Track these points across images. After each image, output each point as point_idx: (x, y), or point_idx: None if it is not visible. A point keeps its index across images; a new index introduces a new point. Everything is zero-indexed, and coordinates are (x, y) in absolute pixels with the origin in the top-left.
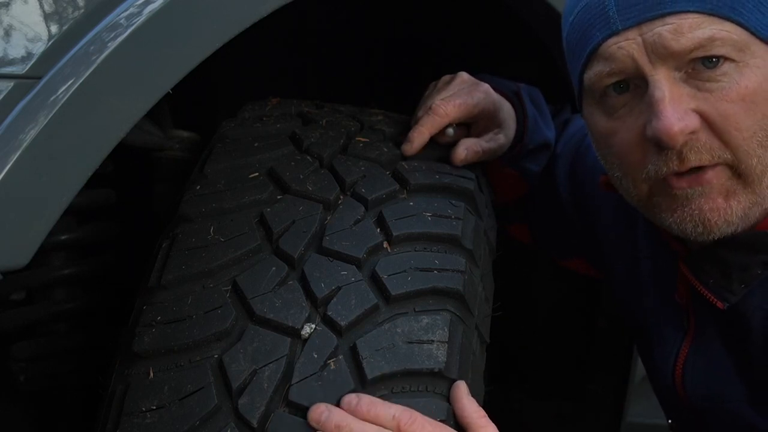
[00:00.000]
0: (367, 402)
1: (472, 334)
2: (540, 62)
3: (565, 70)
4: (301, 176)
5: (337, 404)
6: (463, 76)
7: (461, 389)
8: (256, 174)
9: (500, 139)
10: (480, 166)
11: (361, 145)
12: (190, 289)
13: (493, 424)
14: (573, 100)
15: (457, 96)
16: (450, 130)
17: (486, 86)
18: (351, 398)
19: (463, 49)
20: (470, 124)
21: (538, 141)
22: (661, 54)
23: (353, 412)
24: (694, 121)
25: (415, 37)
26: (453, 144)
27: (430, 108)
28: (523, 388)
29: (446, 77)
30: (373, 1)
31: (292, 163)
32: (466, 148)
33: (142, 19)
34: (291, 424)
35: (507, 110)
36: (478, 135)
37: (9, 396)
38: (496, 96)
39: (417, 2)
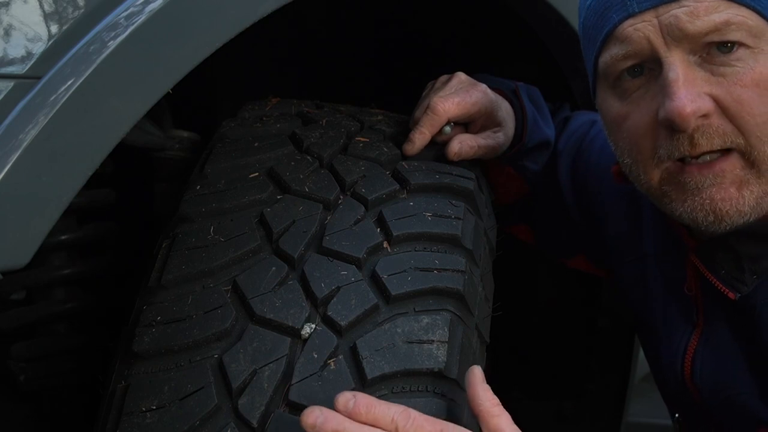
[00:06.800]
0: (364, 403)
1: (472, 334)
2: (540, 62)
3: (564, 69)
4: (301, 176)
5: (332, 404)
6: (461, 76)
7: (476, 375)
8: (256, 174)
9: (499, 137)
10: (480, 166)
11: (361, 145)
12: (190, 289)
13: (506, 413)
14: (572, 100)
15: (455, 95)
16: (447, 128)
17: (483, 86)
18: (347, 398)
19: (463, 49)
20: (468, 124)
21: (538, 139)
22: (676, 36)
23: (350, 415)
24: (707, 104)
25: (414, 37)
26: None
27: (428, 107)
28: (523, 387)
29: (443, 77)
30: (373, 1)
31: (292, 163)
32: (460, 142)
33: (142, 18)
34: (291, 424)
35: (505, 109)
36: (475, 134)
37: (9, 396)
38: (494, 95)
39: (417, 2)
